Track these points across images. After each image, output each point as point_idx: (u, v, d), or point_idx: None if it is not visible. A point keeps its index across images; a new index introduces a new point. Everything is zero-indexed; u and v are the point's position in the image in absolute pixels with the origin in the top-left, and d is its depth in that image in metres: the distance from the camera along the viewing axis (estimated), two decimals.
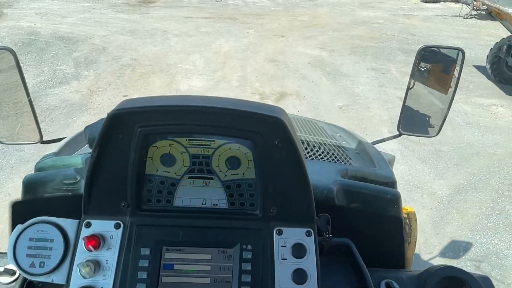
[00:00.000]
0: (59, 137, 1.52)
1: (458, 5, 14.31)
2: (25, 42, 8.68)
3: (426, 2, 15.91)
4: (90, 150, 1.37)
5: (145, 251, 0.81)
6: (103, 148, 0.82)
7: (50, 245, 0.81)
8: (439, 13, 14.13)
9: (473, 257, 3.37)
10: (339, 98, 6.45)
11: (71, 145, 1.56)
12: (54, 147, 1.51)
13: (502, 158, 4.96)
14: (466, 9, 13.31)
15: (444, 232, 3.66)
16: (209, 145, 0.85)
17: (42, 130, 1.46)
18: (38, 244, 0.81)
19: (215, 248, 0.82)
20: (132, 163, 0.82)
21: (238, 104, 0.82)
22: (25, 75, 1.42)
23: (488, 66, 7.26)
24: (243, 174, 0.86)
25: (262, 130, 0.81)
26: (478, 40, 10.40)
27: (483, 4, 9.32)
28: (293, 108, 5.99)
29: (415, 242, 1.28)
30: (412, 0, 16.59)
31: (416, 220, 1.27)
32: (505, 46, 6.71)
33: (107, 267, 0.79)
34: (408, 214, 1.43)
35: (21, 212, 1.02)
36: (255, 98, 6.36)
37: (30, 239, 0.81)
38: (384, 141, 1.77)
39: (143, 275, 0.78)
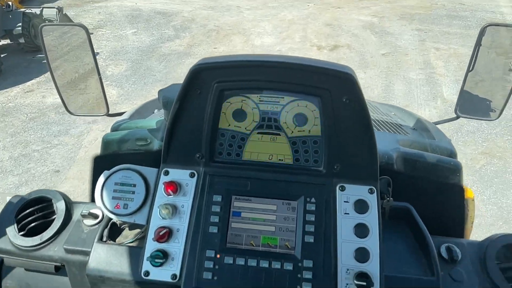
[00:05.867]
0: (122, 111, 1.67)
1: None
2: (133, 15, 11.19)
3: None
4: (159, 115, 1.57)
5: (217, 198, 0.88)
6: (183, 102, 0.88)
7: (133, 189, 0.92)
8: None
9: None
10: (383, 48, 7.94)
11: (140, 112, 1.71)
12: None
13: None
14: None
15: None
16: (278, 102, 0.90)
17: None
18: (123, 188, 0.92)
19: (280, 199, 0.87)
20: (207, 117, 0.89)
21: (309, 61, 0.84)
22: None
23: None
24: (309, 131, 0.90)
25: (331, 86, 0.83)
26: None
27: None
28: (343, 55, 7.63)
29: (472, 223, 1.23)
30: None
31: (473, 200, 1.20)
32: None
33: (183, 211, 0.88)
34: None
35: (100, 165, 1.11)
36: (313, 49, 8.09)
37: (116, 184, 0.92)
38: (443, 122, 1.68)
39: (215, 219, 0.86)
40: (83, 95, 1.41)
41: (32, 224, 0.98)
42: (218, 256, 0.83)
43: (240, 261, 0.82)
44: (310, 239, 0.83)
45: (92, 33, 9.37)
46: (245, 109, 0.92)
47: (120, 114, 1.64)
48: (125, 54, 7.88)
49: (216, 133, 0.93)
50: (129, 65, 7.31)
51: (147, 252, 0.85)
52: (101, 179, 0.94)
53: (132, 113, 1.66)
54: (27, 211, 0.99)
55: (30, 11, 7.92)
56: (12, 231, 0.96)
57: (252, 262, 0.82)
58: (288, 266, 0.81)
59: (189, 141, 0.92)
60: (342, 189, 0.88)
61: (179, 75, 6.74)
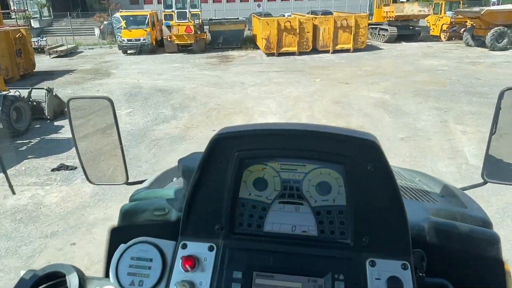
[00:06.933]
0: (141, 179, 1.72)
1: None
2: (132, 93, 10.75)
3: (493, 50, 16.03)
4: (178, 184, 1.48)
5: (237, 275, 0.82)
6: (203, 172, 0.86)
7: (149, 265, 0.85)
8: (507, 59, 14.18)
9: None
10: (401, 132, 7.06)
11: (159, 180, 1.73)
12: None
13: None
14: None
15: None
16: (300, 170, 0.87)
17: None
18: (139, 263, 0.86)
19: (306, 276, 0.81)
20: (227, 186, 0.86)
21: (330, 128, 0.83)
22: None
23: None
24: (334, 200, 0.85)
25: (355, 154, 0.81)
26: None
27: None
28: None
29: None
30: (478, 49, 16.84)
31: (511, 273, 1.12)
32: None
33: None
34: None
35: (117, 237, 1.09)
36: None
37: (132, 258, 0.86)
38: (470, 188, 1.62)
39: None
40: (103, 164, 1.44)
41: None
42: None
43: None
44: None
45: None
46: (266, 177, 0.88)
47: (140, 182, 1.63)
48: None
49: (236, 203, 0.88)
50: None
51: None
52: (117, 254, 0.86)
53: (152, 182, 1.62)
54: (41, 287, 0.91)
55: (13, 93, 7.37)
56: None
57: None
58: None
59: (208, 212, 0.88)
60: (373, 264, 0.81)
61: (168, 165, 5.83)
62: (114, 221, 4.12)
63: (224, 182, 0.86)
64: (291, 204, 0.88)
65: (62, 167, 5.97)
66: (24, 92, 7.77)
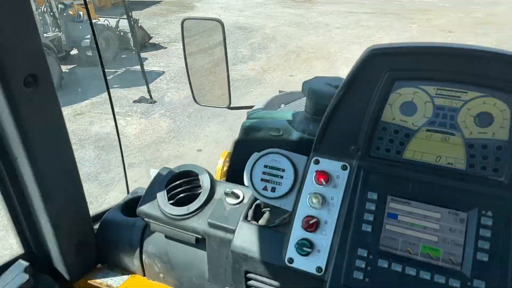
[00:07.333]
0: (244, 105, 1.73)
1: None
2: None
3: None
4: (288, 109, 1.53)
5: (372, 195, 0.81)
6: (349, 89, 0.83)
7: (282, 174, 0.89)
8: None
9: None
10: None
11: (267, 107, 1.79)
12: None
13: None
14: None
15: None
16: (459, 97, 0.78)
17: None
18: (271, 171, 0.90)
19: (446, 208, 0.78)
20: (371, 107, 0.82)
21: (505, 51, 0.72)
22: None
23: None
24: (493, 134, 0.78)
25: None
26: None
27: None
28: None
29: None
30: None
31: None
32: None
33: (332, 203, 0.83)
34: None
35: (239, 149, 1.20)
36: None
37: (265, 166, 0.91)
38: None
39: (369, 217, 0.80)
40: (208, 87, 1.50)
41: (181, 195, 1.01)
42: (370, 257, 0.77)
43: (397, 267, 0.75)
44: (483, 257, 0.72)
45: (166, 47, 8.89)
46: (416, 102, 0.80)
47: (242, 108, 1.66)
48: None
49: (377, 126, 0.84)
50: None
51: (293, 239, 0.83)
52: (251, 161, 0.91)
53: (265, 104, 1.70)
54: (177, 182, 1.02)
55: (102, 22, 7.61)
56: (162, 199, 1.01)
57: (411, 271, 0.74)
58: (455, 283, 0.72)
59: (345, 131, 0.86)
60: None
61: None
62: (187, 160, 4.13)
63: (368, 103, 0.82)
64: (441, 133, 0.81)
65: (142, 100, 6.18)
66: (112, 22, 8.00)
